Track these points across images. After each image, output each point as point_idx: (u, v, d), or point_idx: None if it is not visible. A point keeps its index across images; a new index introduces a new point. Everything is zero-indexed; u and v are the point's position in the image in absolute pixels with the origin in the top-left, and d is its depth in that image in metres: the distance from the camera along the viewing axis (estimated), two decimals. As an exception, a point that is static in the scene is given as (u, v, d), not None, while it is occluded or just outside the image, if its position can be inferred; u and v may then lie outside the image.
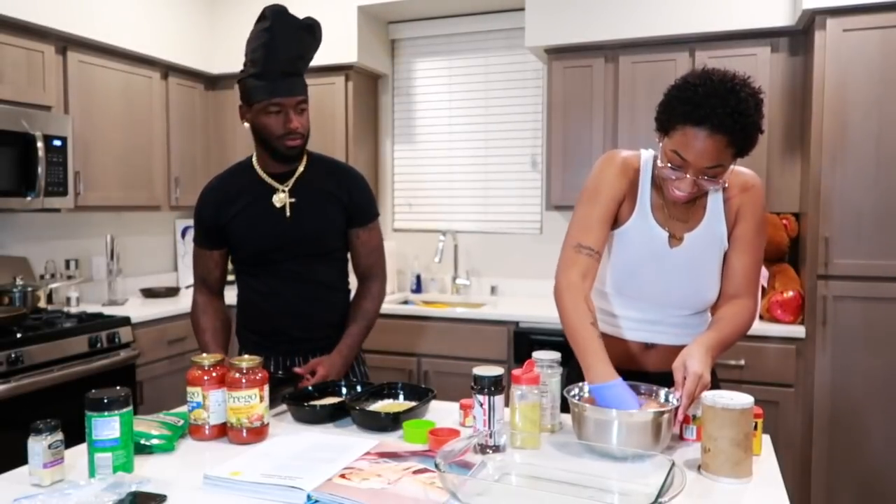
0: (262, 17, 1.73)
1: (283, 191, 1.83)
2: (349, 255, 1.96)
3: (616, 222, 1.56)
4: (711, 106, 1.33)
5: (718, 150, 1.36)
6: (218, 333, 1.90)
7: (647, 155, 1.58)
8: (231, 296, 1.90)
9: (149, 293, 3.69)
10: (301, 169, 1.86)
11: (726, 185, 1.50)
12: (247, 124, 1.81)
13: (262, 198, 1.83)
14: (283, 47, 1.70)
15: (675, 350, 1.48)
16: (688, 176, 1.40)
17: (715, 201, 1.54)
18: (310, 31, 1.78)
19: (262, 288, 1.87)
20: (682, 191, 1.43)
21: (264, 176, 1.85)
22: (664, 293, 1.57)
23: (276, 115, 1.73)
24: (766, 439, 1.42)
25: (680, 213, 1.55)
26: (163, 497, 1.15)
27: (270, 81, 1.70)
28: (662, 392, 1.43)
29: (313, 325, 1.88)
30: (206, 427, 1.46)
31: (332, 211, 1.86)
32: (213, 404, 1.45)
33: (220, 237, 1.88)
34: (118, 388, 1.28)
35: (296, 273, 1.85)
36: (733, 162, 1.42)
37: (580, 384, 1.46)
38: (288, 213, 1.82)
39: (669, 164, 1.42)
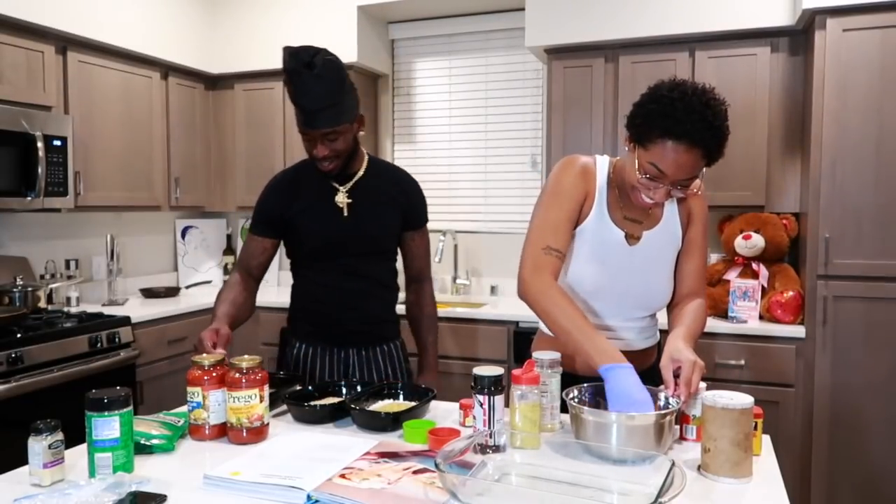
0: (285, 64, 1.73)
1: (343, 192, 1.92)
2: (399, 256, 2.07)
3: (576, 222, 1.58)
4: (692, 122, 1.35)
5: (695, 161, 1.40)
6: (232, 306, 1.89)
7: (602, 160, 1.63)
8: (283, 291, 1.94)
9: (149, 293, 3.69)
10: (360, 173, 1.95)
11: (699, 191, 1.51)
12: None
13: (326, 196, 1.93)
14: (308, 90, 1.75)
15: (626, 356, 1.44)
16: (663, 186, 1.44)
17: (671, 203, 1.60)
18: (333, 69, 1.76)
19: (319, 280, 1.96)
20: (656, 200, 1.47)
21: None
22: (621, 292, 1.59)
23: (308, 141, 1.84)
24: (766, 439, 1.42)
25: (637, 215, 1.59)
26: (163, 497, 1.15)
27: (301, 114, 1.79)
28: (662, 395, 1.43)
29: (365, 318, 1.97)
30: (206, 427, 1.46)
31: (390, 214, 1.97)
32: (213, 404, 1.45)
33: (280, 228, 1.96)
34: (118, 388, 1.28)
35: (352, 268, 1.94)
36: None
37: (579, 386, 1.46)
38: (346, 213, 1.91)
39: (646, 175, 1.44)
